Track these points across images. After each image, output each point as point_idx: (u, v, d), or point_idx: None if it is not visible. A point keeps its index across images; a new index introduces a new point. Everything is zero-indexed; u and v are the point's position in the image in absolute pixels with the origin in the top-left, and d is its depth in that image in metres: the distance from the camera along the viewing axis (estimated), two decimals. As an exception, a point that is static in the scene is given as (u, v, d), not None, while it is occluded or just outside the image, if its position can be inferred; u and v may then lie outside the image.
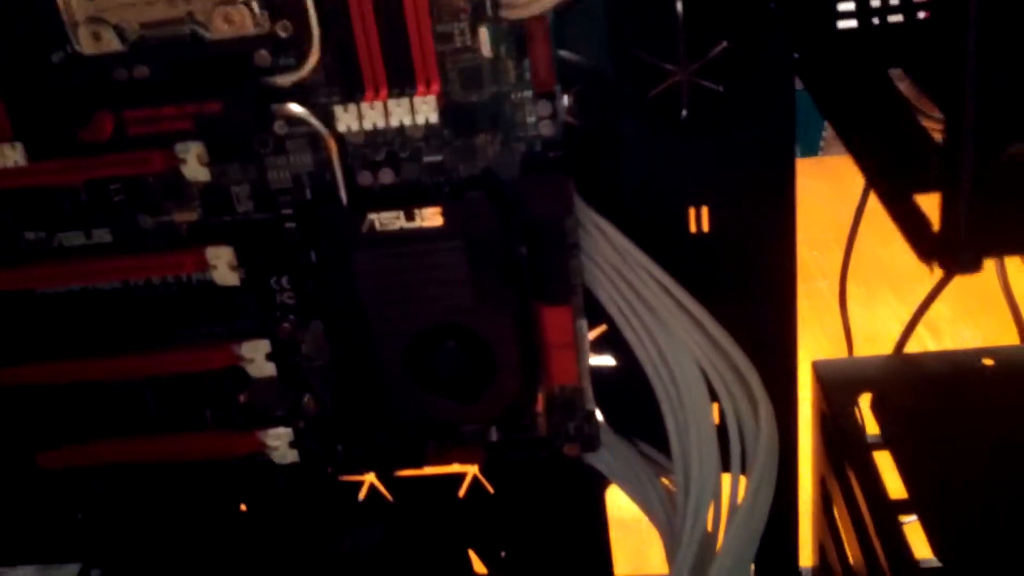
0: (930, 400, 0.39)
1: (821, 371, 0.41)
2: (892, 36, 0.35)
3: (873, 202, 0.47)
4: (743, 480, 0.40)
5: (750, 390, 0.38)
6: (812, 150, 1.15)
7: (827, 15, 0.36)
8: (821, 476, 0.42)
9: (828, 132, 1.10)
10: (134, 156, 0.37)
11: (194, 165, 0.37)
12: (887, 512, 0.36)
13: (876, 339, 0.62)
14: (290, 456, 0.43)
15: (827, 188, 0.79)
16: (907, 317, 0.46)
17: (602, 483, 0.46)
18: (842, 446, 0.39)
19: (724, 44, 0.36)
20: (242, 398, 0.43)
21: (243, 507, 0.48)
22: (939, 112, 0.30)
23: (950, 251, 0.25)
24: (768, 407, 0.38)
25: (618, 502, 0.49)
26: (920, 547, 0.36)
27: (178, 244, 0.40)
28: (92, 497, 0.46)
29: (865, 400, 0.39)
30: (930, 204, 0.27)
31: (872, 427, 0.40)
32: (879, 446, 0.38)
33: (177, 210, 0.39)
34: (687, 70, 0.37)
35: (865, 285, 0.60)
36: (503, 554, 0.48)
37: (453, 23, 0.36)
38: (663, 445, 0.42)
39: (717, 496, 0.39)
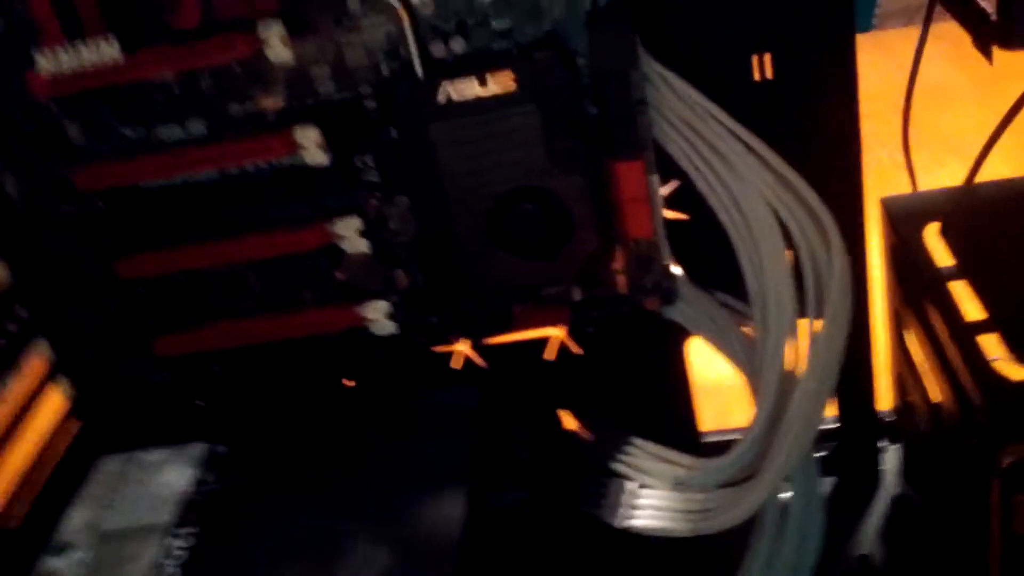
0: (1000, 224, 0.40)
1: (890, 206, 0.42)
2: None
3: (927, 73, 0.47)
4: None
5: (823, 228, 0.39)
6: (865, 26, 1.13)
7: None
8: (895, 310, 0.43)
9: (881, 8, 1.08)
10: (220, 41, 0.39)
11: (277, 46, 0.39)
12: (966, 332, 0.37)
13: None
14: (389, 328, 0.46)
15: (881, 62, 0.79)
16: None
17: (683, 335, 0.48)
18: (915, 276, 0.40)
19: None
20: (339, 275, 0.45)
21: (347, 382, 0.51)
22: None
23: (1007, 30, 0.26)
24: (840, 244, 0.39)
25: (699, 366, 0.50)
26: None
27: (267, 129, 0.42)
28: (211, 379, 0.49)
29: (933, 230, 0.40)
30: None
31: (943, 260, 0.41)
32: (952, 274, 0.39)
33: (263, 96, 0.42)
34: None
35: (926, 150, 0.60)
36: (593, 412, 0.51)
37: None
38: (740, 294, 0.44)
39: (794, 333, 0.41)
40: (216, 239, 0.45)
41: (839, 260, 0.39)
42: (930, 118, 0.50)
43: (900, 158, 0.53)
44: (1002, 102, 0.40)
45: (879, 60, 0.88)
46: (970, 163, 0.42)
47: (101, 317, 0.48)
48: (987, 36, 0.27)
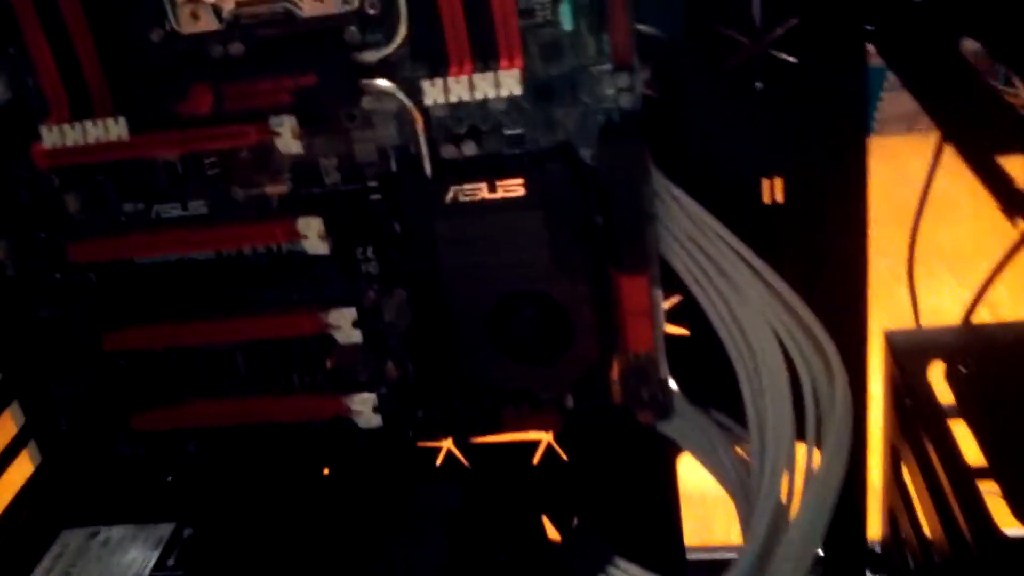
0: (1003, 369, 0.39)
1: (893, 340, 0.42)
2: (962, 6, 0.35)
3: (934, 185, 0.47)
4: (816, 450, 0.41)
5: (826, 358, 0.39)
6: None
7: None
8: (892, 444, 0.43)
9: (880, 112, 1.10)
10: (231, 129, 0.38)
11: (288, 138, 0.39)
12: (966, 478, 0.36)
13: (937, 317, 0.62)
14: (374, 420, 0.45)
15: (882, 167, 0.79)
16: (966, 296, 0.46)
17: (674, 451, 0.47)
18: (916, 413, 0.39)
19: (797, 18, 0.37)
20: (328, 363, 0.44)
21: (326, 470, 0.50)
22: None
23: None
24: (843, 375, 0.39)
25: (682, 475, 0.50)
26: (999, 516, 0.36)
27: (269, 215, 0.42)
28: (185, 458, 0.48)
29: (935, 369, 0.40)
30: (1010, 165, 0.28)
31: (943, 397, 0.41)
32: (952, 415, 0.39)
33: (269, 182, 0.41)
34: (762, 43, 0.37)
35: (923, 264, 0.60)
36: (575, 520, 0.49)
37: (535, -2, 0.37)
38: (736, 413, 0.43)
39: (791, 462, 0.40)
40: (207, 318, 0.44)
41: (842, 395, 0.38)
42: (926, 229, 0.50)
43: (900, 269, 0.53)
44: (999, 216, 0.40)
45: (879, 166, 0.88)
46: (966, 278, 0.42)
47: (80, 386, 0.47)
48: (1017, 205, 0.27)
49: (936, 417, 0.38)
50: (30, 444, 0.48)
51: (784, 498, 0.40)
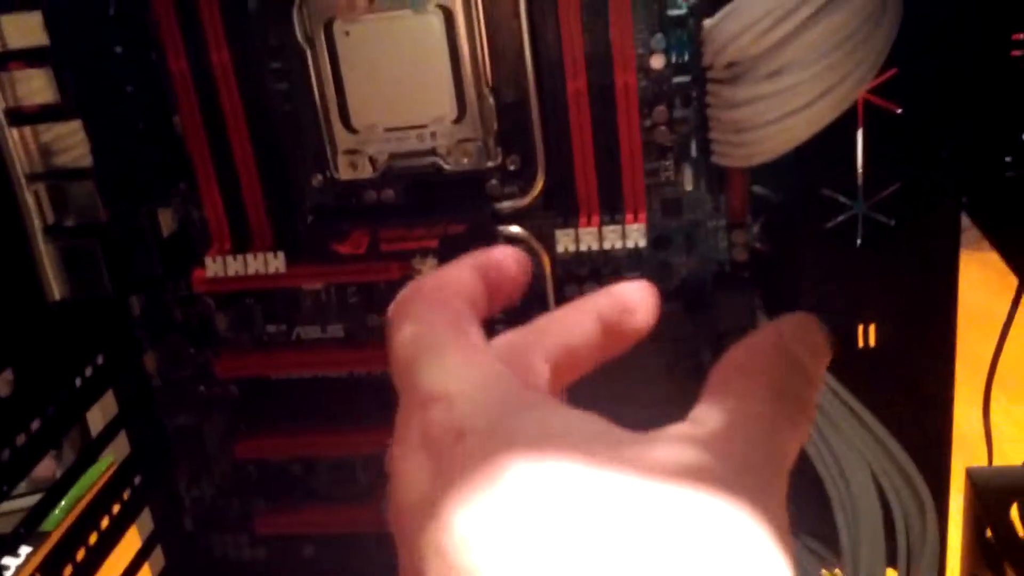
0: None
1: (975, 478, 0.45)
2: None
3: (976, 301, 0.49)
4: None
5: (917, 493, 0.42)
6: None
7: (995, 165, 0.41)
8: (971, 573, 0.46)
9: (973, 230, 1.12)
10: (377, 266, 0.43)
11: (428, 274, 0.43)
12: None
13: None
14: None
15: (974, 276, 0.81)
16: (1021, 417, 0.49)
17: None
18: (1000, 548, 0.42)
19: (898, 184, 0.41)
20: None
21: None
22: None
23: None
24: (933, 510, 0.42)
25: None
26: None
27: (400, 340, 0.45)
28: (302, 562, 0.51)
29: (1016, 508, 0.43)
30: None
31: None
32: (1033, 551, 0.42)
33: (403, 311, 0.45)
34: (864, 205, 0.41)
35: (972, 384, 0.62)
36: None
37: (660, 161, 0.41)
38: (824, 539, 0.46)
39: (882, 589, 0.43)
40: (334, 431, 0.48)
41: (933, 528, 0.41)
42: (975, 348, 0.53)
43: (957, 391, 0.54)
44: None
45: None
46: (1016, 394, 0.44)
47: (209, 491, 0.51)
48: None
49: (1019, 552, 0.41)
50: (155, 549, 0.51)
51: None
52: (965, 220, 0.42)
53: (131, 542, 0.50)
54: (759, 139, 0.34)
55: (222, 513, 0.51)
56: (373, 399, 0.47)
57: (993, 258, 0.47)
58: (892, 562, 0.44)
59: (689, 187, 0.41)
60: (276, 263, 0.43)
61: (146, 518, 0.51)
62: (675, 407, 0.43)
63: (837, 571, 0.47)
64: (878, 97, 0.39)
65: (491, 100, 0.40)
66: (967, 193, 0.40)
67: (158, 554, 0.52)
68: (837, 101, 0.33)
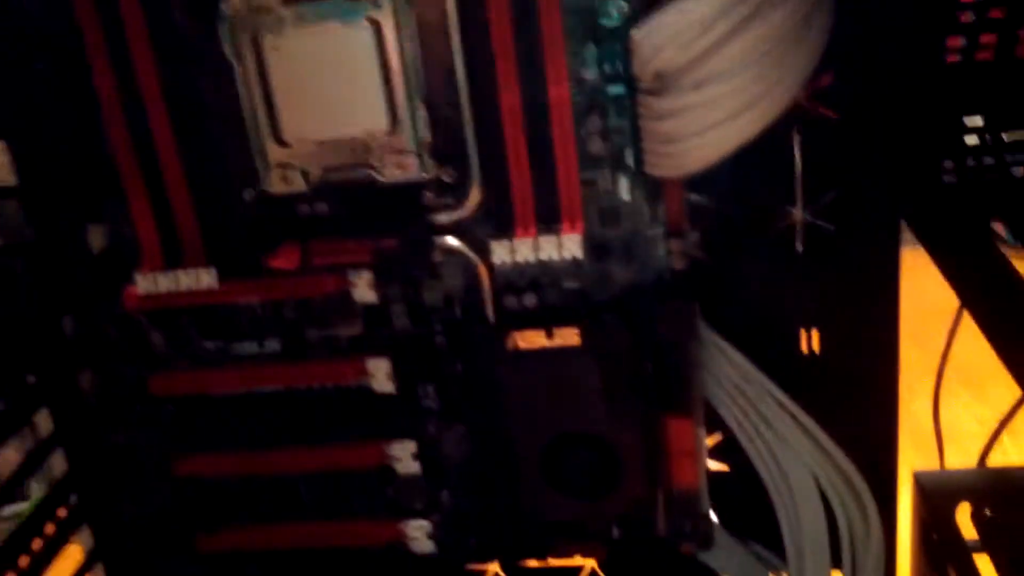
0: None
1: (922, 481, 0.45)
2: (992, 191, 0.39)
3: (936, 295, 0.49)
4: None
5: (859, 499, 0.42)
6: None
7: (931, 170, 0.41)
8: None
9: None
10: (311, 280, 0.42)
11: (364, 289, 0.42)
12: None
13: (952, 437, 0.64)
14: (428, 547, 0.47)
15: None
16: (982, 413, 0.49)
17: (712, 578, 0.49)
18: (944, 551, 0.42)
19: (837, 191, 0.41)
20: (389, 492, 0.47)
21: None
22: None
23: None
24: (876, 515, 0.42)
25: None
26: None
27: (339, 353, 0.45)
28: (246, 578, 0.50)
29: (962, 510, 0.43)
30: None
31: (967, 534, 0.44)
32: (977, 551, 0.42)
33: (342, 325, 0.44)
34: (804, 212, 0.41)
35: (933, 380, 0.62)
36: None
37: (596, 171, 0.40)
38: (773, 544, 0.46)
39: (827, 596, 0.43)
40: (275, 448, 0.47)
41: (876, 534, 0.41)
42: (936, 343, 0.53)
43: (916, 384, 0.54)
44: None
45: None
46: (980, 392, 0.44)
47: (149, 510, 0.50)
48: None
49: (964, 555, 0.41)
50: (96, 567, 0.50)
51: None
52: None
53: (74, 558, 0.49)
54: (687, 150, 0.34)
55: (163, 532, 0.50)
56: (313, 414, 0.46)
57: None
58: (837, 565, 0.43)
59: (626, 196, 0.41)
60: (208, 279, 0.42)
61: (88, 536, 0.50)
62: (615, 421, 0.43)
63: (784, 575, 0.46)
64: (815, 104, 0.39)
65: (424, 113, 0.39)
66: (905, 199, 0.40)
67: (100, 571, 0.51)
68: (764, 111, 0.33)
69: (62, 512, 0.48)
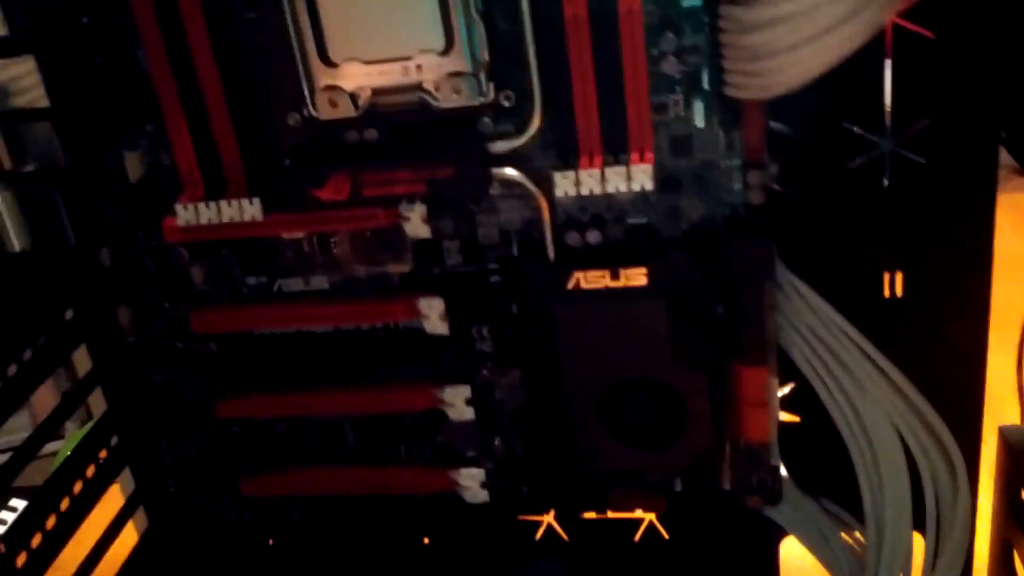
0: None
1: (1009, 436, 0.42)
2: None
3: (1006, 246, 0.46)
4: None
5: (947, 453, 0.39)
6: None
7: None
8: (1003, 538, 0.43)
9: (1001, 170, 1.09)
10: (361, 213, 0.39)
11: (417, 223, 0.39)
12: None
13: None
14: (481, 496, 0.45)
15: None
16: None
17: (777, 536, 0.47)
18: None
19: (928, 120, 0.37)
20: (439, 438, 0.45)
21: (426, 540, 0.50)
22: None
23: None
24: (965, 479, 0.39)
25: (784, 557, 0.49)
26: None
27: (389, 292, 0.42)
28: (290, 524, 0.49)
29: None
30: None
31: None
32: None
33: (392, 262, 0.42)
34: (892, 141, 0.38)
35: (1000, 328, 0.59)
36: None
37: (668, 95, 0.37)
38: (845, 502, 0.43)
39: (908, 556, 0.40)
40: (322, 390, 0.45)
41: (964, 490, 0.38)
42: (1000, 291, 0.49)
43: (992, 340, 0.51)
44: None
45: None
46: None
47: (191, 452, 0.48)
48: None
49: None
50: (138, 511, 0.49)
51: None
52: (1002, 156, 0.39)
53: (115, 501, 0.48)
54: (778, 67, 0.31)
55: (205, 475, 0.48)
56: (361, 355, 0.44)
57: (1018, 200, 0.43)
58: (920, 526, 0.41)
59: (700, 123, 0.37)
60: (252, 210, 0.40)
61: (128, 479, 0.49)
62: (681, 367, 0.40)
63: (857, 534, 0.44)
64: (909, 22, 0.36)
65: (482, 28, 0.36)
66: (1005, 127, 0.36)
67: (141, 514, 0.49)
68: (865, 24, 0.29)
69: (103, 454, 0.47)
